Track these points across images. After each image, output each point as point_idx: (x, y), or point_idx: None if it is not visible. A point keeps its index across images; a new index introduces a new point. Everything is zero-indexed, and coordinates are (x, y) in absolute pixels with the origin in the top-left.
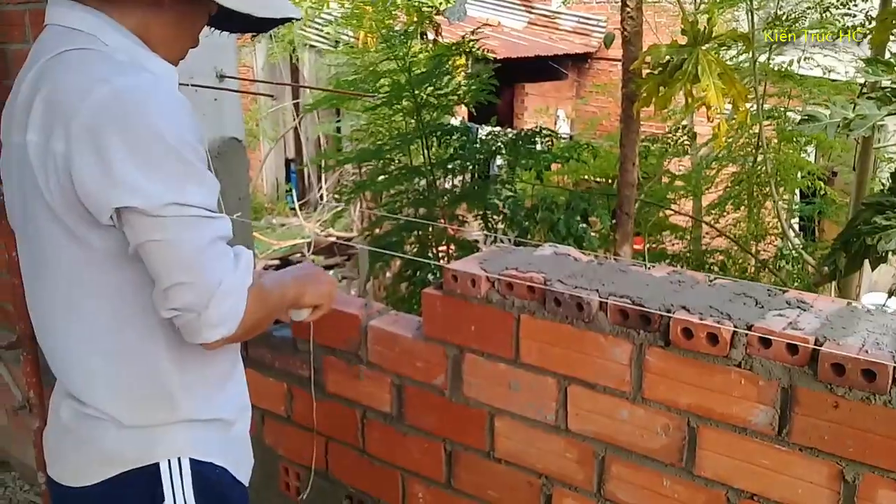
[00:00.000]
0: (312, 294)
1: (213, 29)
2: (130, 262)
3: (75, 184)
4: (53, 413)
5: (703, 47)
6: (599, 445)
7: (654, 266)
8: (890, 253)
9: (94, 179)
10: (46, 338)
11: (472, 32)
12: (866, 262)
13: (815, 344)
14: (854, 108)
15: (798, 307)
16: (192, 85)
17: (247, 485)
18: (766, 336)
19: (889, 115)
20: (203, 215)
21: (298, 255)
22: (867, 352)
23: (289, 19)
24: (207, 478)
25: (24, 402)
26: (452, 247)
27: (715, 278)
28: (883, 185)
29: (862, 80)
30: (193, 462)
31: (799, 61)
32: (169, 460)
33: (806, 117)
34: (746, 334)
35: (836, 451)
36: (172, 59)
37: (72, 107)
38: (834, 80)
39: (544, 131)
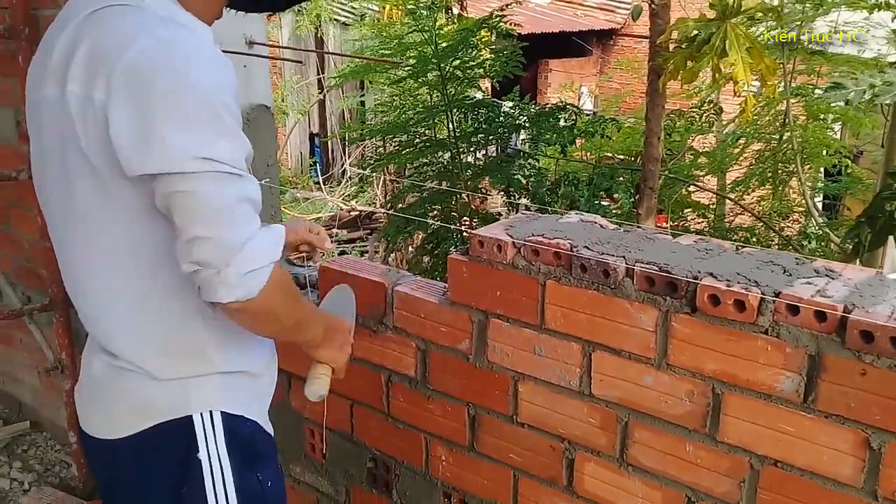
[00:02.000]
0: (330, 351)
1: (229, 9)
2: (160, 215)
3: (111, 132)
4: (86, 368)
5: (732, 21)
6: (623, 411)
7: (680, 234)
8: None
9: (129, 133)
10: (79, 293)
11: (499, 8)
12: (891, 241)
13: (844, 311)
14: (882, 75)
15: (826, 276)
16: (223, 51)
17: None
18: (794, 303)
19: None
20: (231, 172)
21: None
22: None
23: None
24: (239, 430)
25: (55, 364)
26: (475, 220)
27: (742, 247)
28: None
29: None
30: (225, 415)
31: (829, 35)
32: (202, 413)
33: (832, 85)
34: (774, 301)
35: (862, 419)
36: (206, 18)
37: (114, 56)
38: (864, 58)
39: (568, 107)
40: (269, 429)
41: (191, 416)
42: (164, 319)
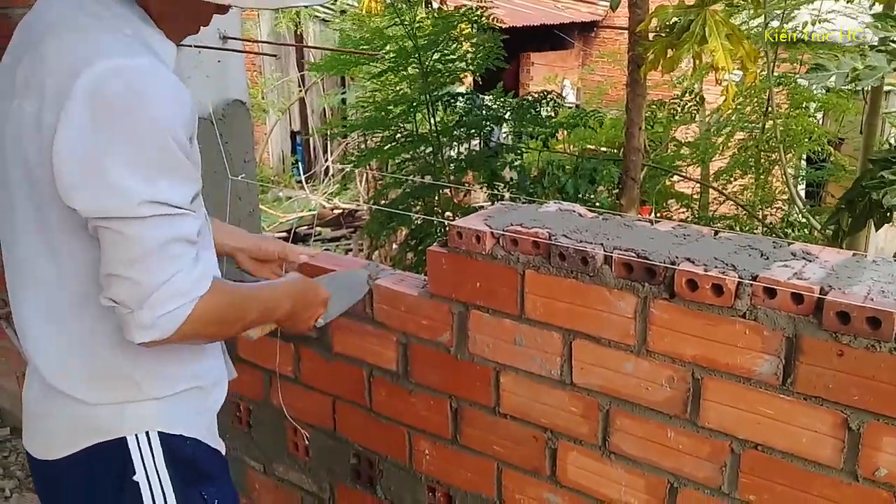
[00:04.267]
0: (298, 322)
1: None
2: (92, 243)
3: (53, 158)
4: (27, 387)
5: (711, 8)
6: (604, 399)
7: (658, 221)
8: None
9: (74, 164)
10: (17, 313)
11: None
12: (871, 228)
13: (820, 293)
14: (864, 59)
15: (803, 258)
16: (196, 46)
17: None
18: (771, 286)
19: None
20: (168, 213)
21: (305, 227)
22: (872, 300)
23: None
24: (179, 450)
25: None
26: (458, 215)
27: (719, 232)
28: (890, 144)
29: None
30: (163, 435)
31: (813, 24)
32: (136, 434)
33: (815, 66)
34: (751, 285)
35: (840, 400)
36: (175, 38)
37: (67, 76)
38: (845, 45)
39: (548, 95)
40: (216, 443)
41: (125, 437)
42: (92, 347)
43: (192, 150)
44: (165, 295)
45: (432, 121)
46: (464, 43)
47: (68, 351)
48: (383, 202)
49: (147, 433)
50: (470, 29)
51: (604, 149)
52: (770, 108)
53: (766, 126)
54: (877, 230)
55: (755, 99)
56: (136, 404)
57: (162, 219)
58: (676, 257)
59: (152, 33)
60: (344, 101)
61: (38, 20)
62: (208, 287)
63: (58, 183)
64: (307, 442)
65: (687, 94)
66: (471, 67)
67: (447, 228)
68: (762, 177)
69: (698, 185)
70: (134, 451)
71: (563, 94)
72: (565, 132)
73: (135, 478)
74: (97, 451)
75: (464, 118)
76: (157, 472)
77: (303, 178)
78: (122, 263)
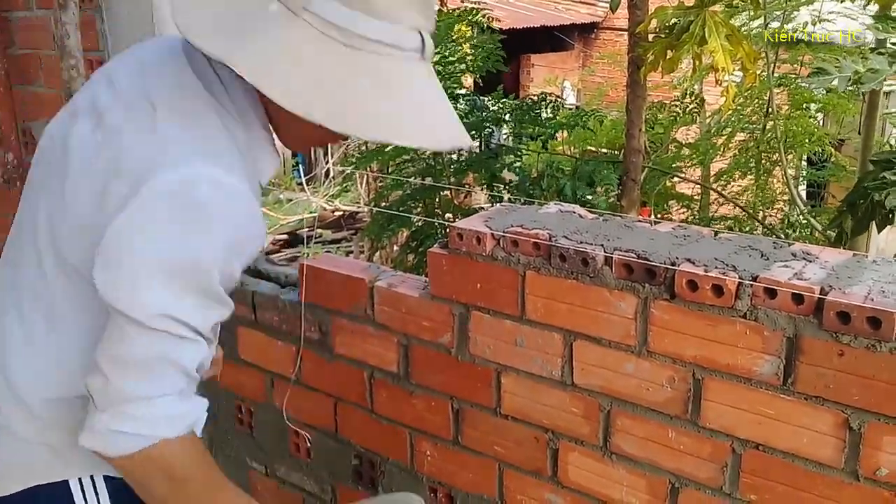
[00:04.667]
0: None
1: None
2: (69, 283)
3: (107, 230)
4: None
5: (711, 8)
6: (605, 399)
7: (658, 222)
8: None
9: (117, 250)
10: None
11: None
12: (873, 227)
13: (821, 293)
14: (865, 62)
15: (804, 258)
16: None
17: None
18: (772, 286)
19: None
20: (179, 334)
21: (306, 229)
22: (872, 300)
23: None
24: (127, 490)
25: None
26: (458, 216)
27: (720, 232)
28: (891, 145)
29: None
30: (108, 479)
31: (814, 24)
32: (80, 478)
33: (816, 70)
34: (751, 285)
35: (841, 400)
36: (291, 146)
37: (160, 166)
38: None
39: (548, 97)
40: None
41: (67, 480)
42: (45, 389)
43: (237, 274)
44: (129, 413)
45: None
46: (463, 45)
47: (27, 385)
48: (384, 204)
49: (92, 477)
50: (469, 31)
51: (604, 150)
52: (770, 109)
53: (767, 127)
54: (879, 232)
55: (756, 100)
56: (78, 448)
57: (168, 336)
58: (677, 258)
59: (264, 143)
60: None
61: (152, 66)
62: (180, 433)
63: (97, 257)
64: (309, 443)
65: (687, 96)
66: (471, 69)
67: (447, 230)
68: (763, 178)
69: (698, 186)
70: (76, 494)
71: (564, 96)
72: (565, 133)
73: None
74: (39, 491)
75: (464, 120)
76: None
77: (303, 180)
78: (109, 357)
